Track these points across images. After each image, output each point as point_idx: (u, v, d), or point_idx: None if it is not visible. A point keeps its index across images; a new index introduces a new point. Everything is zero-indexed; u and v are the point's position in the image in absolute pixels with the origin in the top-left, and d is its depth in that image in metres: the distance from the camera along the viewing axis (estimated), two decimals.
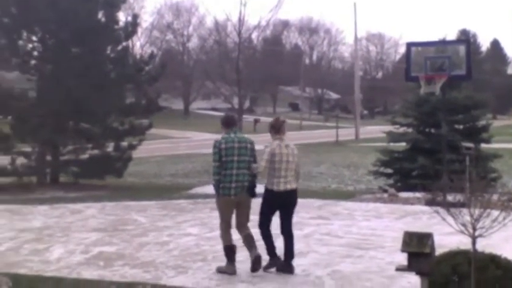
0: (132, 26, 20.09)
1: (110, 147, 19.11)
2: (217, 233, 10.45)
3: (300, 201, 13.94)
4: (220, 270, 7.88)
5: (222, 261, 8.46)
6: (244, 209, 7.89)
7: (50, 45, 18.51)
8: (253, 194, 7.85)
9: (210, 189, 17.00)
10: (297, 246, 9.43)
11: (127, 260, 8.75)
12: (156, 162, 27.63)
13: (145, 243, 9.82)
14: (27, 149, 18.28)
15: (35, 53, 19.12)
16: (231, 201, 7.78)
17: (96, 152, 18.86)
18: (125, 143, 19.37)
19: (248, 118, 50.99)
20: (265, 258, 7.93)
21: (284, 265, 7.80)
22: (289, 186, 7.73)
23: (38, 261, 8.74)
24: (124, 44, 20.40)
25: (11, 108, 17.57)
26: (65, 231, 10.84)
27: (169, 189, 17.92)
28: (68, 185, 17.68)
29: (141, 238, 10.25)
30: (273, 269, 7.89)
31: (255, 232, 7.99)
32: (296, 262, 8.39)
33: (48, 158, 18.48)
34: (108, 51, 19.77)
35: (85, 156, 18.81)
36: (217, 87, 30.75)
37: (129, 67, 19.73)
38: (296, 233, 10.41)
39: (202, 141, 43.80)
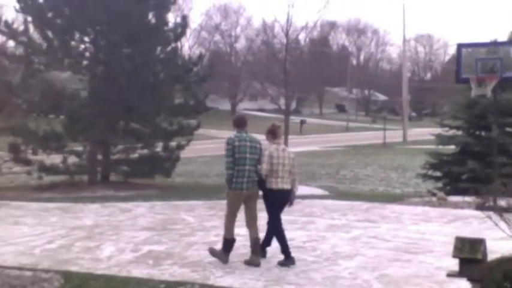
0: (182, 27, 20.27)
1: (159, 147, 19.33)
2: (264, 233, 10.55)
3: (346, 203, 13.93)
4: (213, 254, 8.63)
5: (269, 262, 8.52)
6: (252, 201, 8.52)
7: (102, 46, 18.80)
8: (263, 189, 8.49)
9: None
10: (344, 248, 9.44)
11: (175, 259, 8.86)
12: (203, 162, 27.84)
13: (193, 243, 9.93)
14: (79, 148, 18.63)
15: (87, 54, 19.44)
16: (242, 195, 8.41)
17: (145, 151, 19.08)
18: (173, 143, 19.56)
19: (294, 119, 50.94)
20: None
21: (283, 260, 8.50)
22: (285, 186, 8.49)
23: (89, 258, 8.91)
24: (173, 45, 20.60)
25: (64, 108, 17.94)
26: (115, 230, 11.04)
27: (217, 189, 17.99)
28: (118, 184, 17.95)
29: (189, 237, 10.37)
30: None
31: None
32: (343, 265, 8.40)
33: (99, 157, 18.79)
34: (158, 52, 19.99)
35: (135, 155, 19.06)
36: (264, 88, 30.73)
37: (178, 68, 19.90)
38: (342, 235, 10.45)
39: None
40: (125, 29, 18.20)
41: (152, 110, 18.96)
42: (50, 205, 13.91)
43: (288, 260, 8.43)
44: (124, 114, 18.75)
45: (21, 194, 16.13)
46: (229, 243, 8.55)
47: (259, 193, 8.51)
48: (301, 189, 17.13)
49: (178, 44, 22.55)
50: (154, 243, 9.94)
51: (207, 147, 34.86)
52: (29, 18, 18.56)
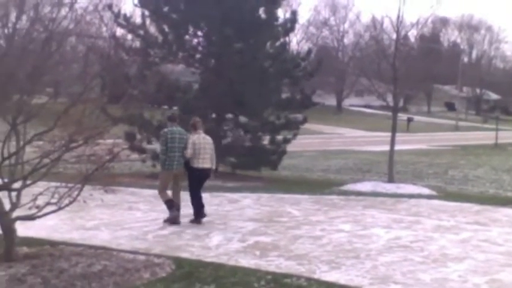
0: (291, 23, 20.38)
1: (266, 140, 19.58)
2: (370, 231, 10.55)
3: (455, 204, 13.61)
4: (167, 221, 10.63)
5: (375, 260, 8.52)
6: (179, 178, 10.96)
7: (214, 40, 19.25)
8: (187, 168, 10.90)
9: (362, 186, 17.06)
10: (453, 251, 9.25)
11: (282, 251, 9.01)
12: (308, 157, 27.90)
13: (298, 236, 10.05)
14: None
15: (200, 48, 19.96)
16: (172, 173, 10.80)
17: (253, 144, 19.41)
18: (280, 137, 19.76)
19: (402, 117, 49.96)
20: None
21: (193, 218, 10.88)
22: (205, 165, 10.90)
23: (199, 246, 9.23)
24: (282, 40, 20.77)
25: (177, 100, 18.54)
26: (223, 219, 11.35)
27: (321, 184, 18.06)
28: (226, 175, 18.36)
29: (295, 231, 10.50)
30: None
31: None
32: (452, 267, 8.27)
33: None
34: (267, 47, 20.22)
35: (242, 148, 19.41)
36: (371, 84, 30.32)
37: (287, 63, 20.04)
38: (451, 237, 10.25)
39: (354, 138, 43.65)
40: (237, 24, 18.54)
41: (260, 104, 19.22)
42: None
43: (196, 219, 10.79)
44: (233, 107, 19.12)
45: (135, 180, 16.84)
46: (170, 202, 10.72)
47: (184, 172, 10.94)
48: (408, 188, 16.99)
49: (287, 39, 22.63)
50: (261, 234, 10.15)
51: (312, 141, 34.93)
52: (146, 13, 19.31)
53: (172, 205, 10.71)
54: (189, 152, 10.74)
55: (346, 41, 73.50)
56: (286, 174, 21.33)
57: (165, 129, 10.95)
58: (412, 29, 25.78)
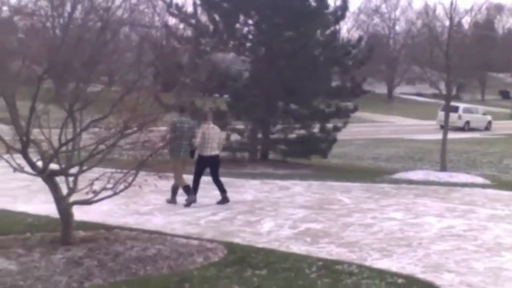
0: (342, 10, 20.24)
1: (316, 128, 19.55)
2: (422, 219, 10.47)
3: (510, 194, 13.30)
4: (187, 204, 11.18)
5: (427, 249, 8.47)
6: (184, 164, 11.62)
7: (264, 28, 19.29)
8: (192, 156, 11.61)
9: (414, 175, 16.89)
10: (507, 240, 9.12)
11: (333, 238, 9.02)
12: (358, 145, 27.74)
13: (349, 224, 10.04)
14: (241, 126, 19.31)
15: (250, 36, 20.02)
16: (180, 160, 11.40)
17: (303, 132, 19.40)
18: (330, 125, 19.70)
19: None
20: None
21: (220, 200, 11.53)
22: (213, 153, 11.57)
23: (250, 232, 9.32)
24: (333, 28, 20.66)
25: (228, 88, 18.68)
26: (274, 206, 11.42)
27: (372, 173, 17.96)
28: (277, 163, 18.42)
29: (346, 218, 10.49)
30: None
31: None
32: (507, 257, 8.20)
33: (259, 136, 19.37)
34: (318, 35, 20.14)
35: (293, 135, 19.43)
36: (424, 71, 29.92)
37: (337, 50, 19.94)
38: (506, 226, 10.12)
39: (405, 126, 43.10)
40: (287, 12, 18.53)
41: (310, 92, 19.19)
42: None
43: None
44: (283, 95, 19.14)
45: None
46: (188, 187, 11.33)
47: (190, 159, 11.66)
48: (461, 177, 16.73)
49: (337, 26, 22.47)
50: (312, 221, 10.18)
51: (362, 130, 34.67)
52: (198, 1, 19.47)
53: (190, 190, 11.34)
54: (197, 141, 11.36)
55: (397, 28, 72.56)
56: (337, 162, 21.27)
57: (175, 119, 11.54)
58: (465, 16, 25.25)
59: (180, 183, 11.42)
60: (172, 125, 11.33)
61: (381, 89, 64.69)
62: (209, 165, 11.73)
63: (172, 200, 11.51)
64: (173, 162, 11.25)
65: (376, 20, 73.27)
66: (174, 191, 11.54)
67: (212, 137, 11.56)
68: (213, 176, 11.78)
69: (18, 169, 7.85)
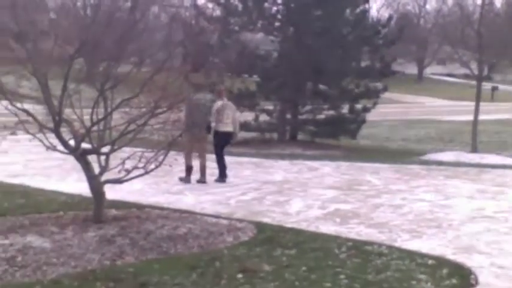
0: None
1: (345, 108, 19.47)
2: (452, 201, 10.41)
3: None
4: (182, 180, 11.42)
5: (458, 230, 8.42)
6: (203, 141, 11.67)
7: (293, 8, 19.18)
8: (209, 132, 11.69)
9: (444, 156, 16.76)
10: None
11: (362, 219, 9.00)
12: (388, 126, 27.56)
13: (379, 205, 10.00)
14: (270, 107, 19.30)
15: (279, 16, 19.93)
16: (195, 137, 11.38)
17: (331, 112, 19.33)
18: (359, 105, 19.60)
19: (486, 86, 48.41)
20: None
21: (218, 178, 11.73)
22: (227, 129, 11.70)
23: (279, 212, 9.34)
24: (362, 7, 20.47)
25: (257, 68, 18.66)
26: (303, 187, 11.42)
27: (402, 154, 17.85)
28: (305, 143, 18.40)
29: (375, 199, 10.45)
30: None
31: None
32: None
33: (288, 116, 19.36)
34: (347, 14, 19.97)
35: (321, 116, 19.37)
36: (455, 51, 29.51)
37: (367, 30, 19.78)
38: None
39: (436, 107, 42.72)
40: None
41: (339, 72, 19.10)
42: (244, 159, 14.68)
43: (220, 178, 11.64)
44: (312, 75, 19.06)
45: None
46: (189, 169, 11.46)
47: (206, 135, 11.74)
48: (491, 159, 16.55)
49: (367, 5, 22.25)
50: (341, 202, 10.16)
51: (391, 111, 34.41)
52: None
53: (190, 173, 11.51)
54: (212, 117, 11.56)
55: (428, 7, 71.54)
56: (366, 143, 21.16)
57: (191, 94, 11.61)
58: None
59: (186, 159, 11.41)
60: (188, 101, 11.29)
61: (411, 69, 64.02)
62: (222, 141, 11.82)
63: (201, 179, 11.56)
64: (187, 138, 11.21)
65: None
66: (203, 170, 11.59)
67: (227, 113, 11.67)
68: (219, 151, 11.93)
69: (51, 148, 7.97)
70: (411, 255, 7.13)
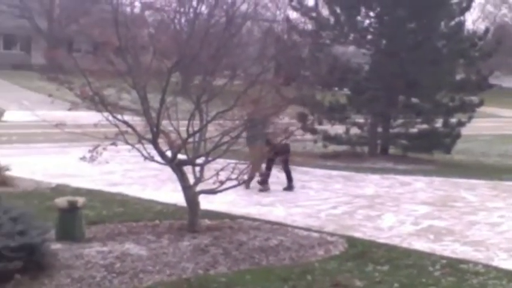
0: (467, 1, 19.57)
1: (439, 122, 19.01)
2: None
3: None
4: (261, 190, 11.67)
5: None
6: (263, 153, 10.95)
7: (386, 21, 18.96)
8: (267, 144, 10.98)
9: None
10: None
11: (457, 236, 8.79)
12: (484, 141, 26.67)
13: (475, 222, 9.74)
14: (360, 120, 19.14)
15: (371, 29, 19.75)
16: (257, 149, 11.06)
17: (425, 126, 18.93)
18: (454, 120, 19.11)
19: None
20: None
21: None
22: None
23: (371, 227, 9.25)
24: (457, 19, 19.98)
25: (348, 81, 18.54)
26: (395, 201, 11.27)
27: (499, 170, 17.23)
28: (397, 157, 18.11)
29: (470, 216, 10.18)
30: None
31: None
32: None
33: (379, 129, 19.12)
34: (442, 27, 19.58)
35: (414, 130, 19.00)
36: None
37: (462, 42, 19.30)
38: None
39: None
40: (410, 3, 18.14)
41: (433, 85, 18.70)
42: (334, 172, 14.64)
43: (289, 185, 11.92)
44: (405, 88, 18.74)
45: (307, 160, 17.12)
46: (264, 176, 11.68)
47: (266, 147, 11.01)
48: None
49: (462, 18, 21.71)
50: (435, 218, 9.95)
51: (487, 125, 33.29)
52: None
53: (266, 181, 11.87)
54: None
55: None
56: (460, 158, 20.57)
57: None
58: None
59: (255, 170, 11.45)
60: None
61: (509, 82, 61.72)
62: (280, 153, 11.54)
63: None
64: (251, 150, 11.23)
65: (504, 10, 69.97)
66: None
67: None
68: (283, 164, 11.92)
69: (149, 158, 8.23)
70: (509, 275, 6.91)
